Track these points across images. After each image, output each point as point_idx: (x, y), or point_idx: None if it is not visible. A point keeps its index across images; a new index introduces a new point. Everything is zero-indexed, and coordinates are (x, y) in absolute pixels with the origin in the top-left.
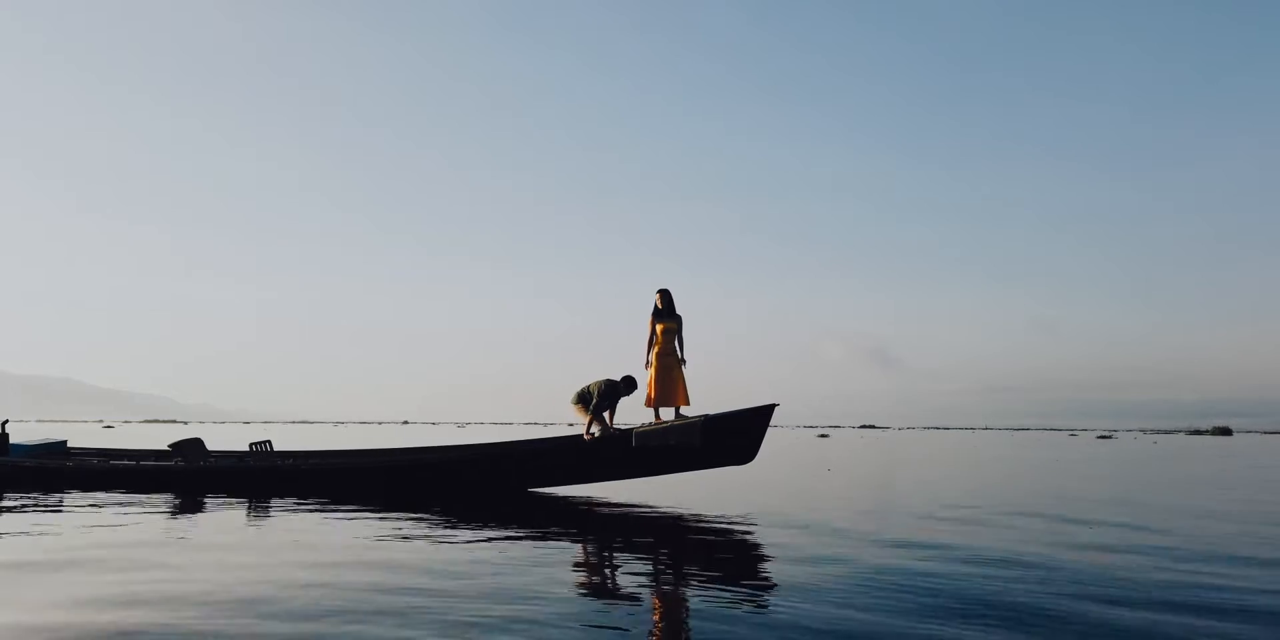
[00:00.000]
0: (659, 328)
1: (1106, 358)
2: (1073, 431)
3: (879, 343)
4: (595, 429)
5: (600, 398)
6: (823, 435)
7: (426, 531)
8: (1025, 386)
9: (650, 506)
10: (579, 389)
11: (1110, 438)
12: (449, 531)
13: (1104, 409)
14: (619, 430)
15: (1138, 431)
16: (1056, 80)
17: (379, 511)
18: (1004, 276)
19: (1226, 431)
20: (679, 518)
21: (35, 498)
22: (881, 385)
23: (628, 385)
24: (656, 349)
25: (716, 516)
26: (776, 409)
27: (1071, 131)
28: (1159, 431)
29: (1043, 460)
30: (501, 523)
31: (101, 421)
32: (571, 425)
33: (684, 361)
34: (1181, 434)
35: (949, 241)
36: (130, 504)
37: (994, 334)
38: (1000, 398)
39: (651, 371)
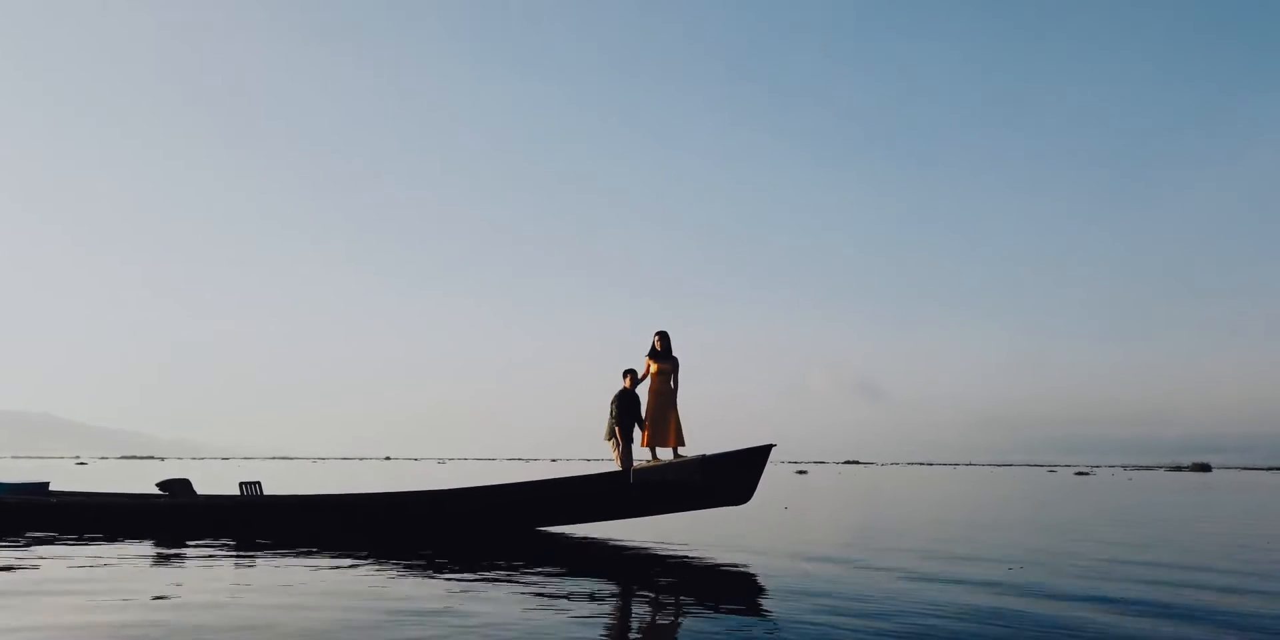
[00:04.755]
0: (654, 368)
1: (1091, 392)
2: (1051, 468)
3: (865, 375)
4: (637, 454)
5: (622, 415)
6: (801, 471)
7: (432, 574)
8: (1012, 420)
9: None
10: (606, 424)
11: (1088, 474)
12: (457, 573)
13: (1088, 444)
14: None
15: (1118, 468)
16: (1039, 114)
17: (392, 558)
18: (987, 309)
19: (1206, 468)
20: (623, 549)
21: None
22: (868, 417)
23: (629, 376)
24: (652, 387)
25: (646, 546)
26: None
27: (1049, 167)
28: (1140, 467)
29: (994, 498)
30: (505, 563)
31: (77, 457)
32: (555, 460)
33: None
34: (1161, 470)
35: (933, 274)
36: (109, 555)
37: (980, 367)
38: (987, 431)
39: (648, 408)
